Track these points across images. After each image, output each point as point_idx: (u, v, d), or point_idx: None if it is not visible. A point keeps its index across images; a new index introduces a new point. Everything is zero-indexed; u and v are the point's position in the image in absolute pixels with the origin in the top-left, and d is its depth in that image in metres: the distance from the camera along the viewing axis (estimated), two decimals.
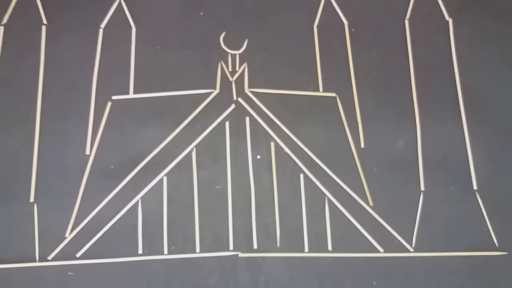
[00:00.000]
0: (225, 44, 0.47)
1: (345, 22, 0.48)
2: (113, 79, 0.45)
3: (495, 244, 0.41)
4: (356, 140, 0.44)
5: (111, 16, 0.47)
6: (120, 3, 0.48)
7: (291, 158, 0.43)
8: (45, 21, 0.47)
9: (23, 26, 0.47)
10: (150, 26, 0.47)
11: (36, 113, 0.44)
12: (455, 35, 0.47)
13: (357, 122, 0.45)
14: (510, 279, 0.40)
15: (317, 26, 0.48)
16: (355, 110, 0.45)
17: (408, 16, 0.48)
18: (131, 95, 0.45)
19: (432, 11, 0.48)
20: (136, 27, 0.47)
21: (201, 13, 0.48)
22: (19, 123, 0.44)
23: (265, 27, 0.47)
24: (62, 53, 0.46)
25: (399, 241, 0.41)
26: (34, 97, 0.45)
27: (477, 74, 0.46)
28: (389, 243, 0.41)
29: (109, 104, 0.44)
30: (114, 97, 0.45)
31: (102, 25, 0.47)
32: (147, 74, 0.46)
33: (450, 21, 0.48)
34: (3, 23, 0.46)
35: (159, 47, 0.47)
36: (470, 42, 0.47)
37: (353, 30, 0.48)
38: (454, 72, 0.46)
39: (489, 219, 0.42)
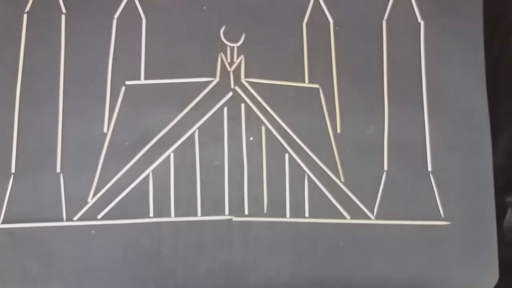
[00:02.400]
0: (225, 37, 0.53)
1: (331, 20, 0.54)
2: (126, 65, 0.51)
3: (441, 215, 0.50)
4: (333, 126, 0.52)
5: (123, 8, 0.53)
6: None
7: (279, 140, 0.51)
8: (64, 10, 0.52)
9: (44, 15, 0.52)
10: (159, 18, 0.52)
11: (59, 95, 0.50)
12: (425, 36, 0.53)
13: (336, 111, 0.52)
14: (450, 244, 0.50)
15: (306, 24, 0.54)
16: (334, 99, 0.53)
17: (385, 17, 0.54)
18: (142, 81, 0.52)
19: (407, 13, 0.54)
20: (146, 18, 0.53)
21: (204, 8, 0.53)
22: (44, 103, 0.50)
23: (260, 23, 0.53)
24: (80, 41, 0.51)
25: (363, 210, 0.50)
26: (57, 81, 0.51)
27: (441, 71, 0.53)
28: (355, 212, 0.50)
29: (123, 88, 0.51)
30: (127, 82, 0.51)
31: (116, 16, 0.53)
32: (156, 62, 0.52)
33: (422, 23, 0.54)
34: (26, 11, 0.52)
35: (166, 38, 0.53)
36: (438, 43, 0.53)
37: (337, 28, 0.54)
38: (421, 69, 0.53)
39: (438, 195, 0.50)
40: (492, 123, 0.52)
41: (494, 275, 0.50)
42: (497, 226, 0.51)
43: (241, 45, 0.53)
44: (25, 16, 0.52)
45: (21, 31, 0.51)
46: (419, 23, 0.54)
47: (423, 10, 0.54)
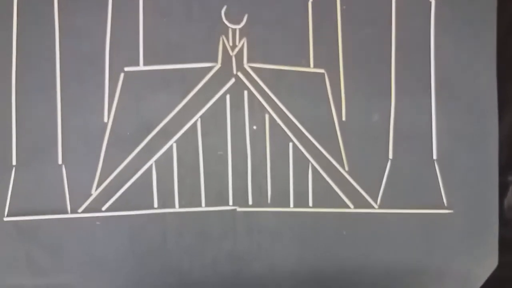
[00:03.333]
0: (226, 19, 0.50)
1: None
2: (124, 50, 0.49)
3: (444, 204, 0.51)
4: (339, 113, 0.51)
5: None
6: None
7: (282, 129, 0.50)
8: None
9: None
10: None
11: (56, 81, 0.49)
12: (436, 17, 0.51)
13: (341, 97, 0.51)
14: (452, 232, 0.50)
15: (312, 2, 0.51)
16: (340, 85, 0.51)
17: None
18: (142, 67, 0.50)
19: None
20: None
21: None
22: (41, 91, 0.48)
23: (263, 2, 0.50)
24: (75, 23, 0.49)
25: (366, 199, 0.51)
26: (53, 66, 0.49)
27: (450, 55, 0.51)
28: (359, 201, 0.50)
29: (122, 75, 0.49)
30: (126, 69, 0.49)
31: None
32: (155, 47, 0.50)
33: (433, 2, 0.51)
34: None
35: (165, 19, 0.50)
36: (448, 24, 0.51)
37: (344, 7, 0.51)
38: (430, 53, 0.51)
39: (442, 183, 0.50)
40: (498, 98, 0.51)
41: (493, 262, 0.51)
42: (498, 204, 0.51)
43: (243, 26, 0.50)
44: None
45: (12, 13, 0.49)
46: (430, 2, 0.51)
47: None
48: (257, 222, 0.49)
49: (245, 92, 0.50)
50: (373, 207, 0.50)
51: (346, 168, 0.50)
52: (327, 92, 0.51)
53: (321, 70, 0.51)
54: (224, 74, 0.50)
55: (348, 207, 0.50)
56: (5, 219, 0.48)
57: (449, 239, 0.50)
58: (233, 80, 0.50)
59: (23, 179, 0.48)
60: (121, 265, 0.49)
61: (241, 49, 0.50)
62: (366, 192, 0.50)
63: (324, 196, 0.50)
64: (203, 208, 0.49)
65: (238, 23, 0.50)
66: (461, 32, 0.51)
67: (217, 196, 0.49)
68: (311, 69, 0.51)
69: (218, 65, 0.50)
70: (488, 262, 0.50)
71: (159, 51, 0.49)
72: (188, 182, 0.49)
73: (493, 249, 0.50)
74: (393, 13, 0.51)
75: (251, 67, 0.50)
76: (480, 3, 0.51)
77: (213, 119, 0.50)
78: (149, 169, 0.49)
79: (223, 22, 0.50)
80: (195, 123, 0.50)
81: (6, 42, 0.49)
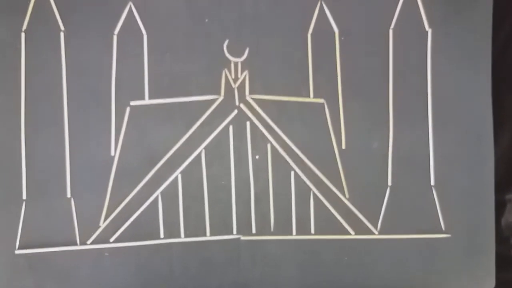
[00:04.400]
0: (228, 52, 0.52)
1: (336, 30, 0.53)
2: (130, 85, 0.51)
3: (442, 228, 0.52)
4: (338, 142, 0.52)
5: (123, 23, 0.51)
6: (130, 10, 0.51)
7: (284, 158, 0.52)
8: (62, 27, 0.51)
9: (42, 32, 0.50)
10: (160, 33, 0.51)
11: (64, 117, 0.50)
12: (432, 45, 0.52)
13: (341, 126, 0.52)
14: (450, 256, 0.52)
15: (311, 34, 0.52)
16: (339, 115, 0.52)
17: (392, 25, 0.53)
18: (147, 101, 0.51)
19: (414, 21, 0.52)
20: (147, 33, 0.51)
21: (206, 20, 0.51)
22: (49, 127, 0.50)
23: (264, 35, 0.52)
24: (81, 59, 0.50)
25: (367, 225, 0.52)
26: (60, 102, 0.50)
27: (447, 83, 0.52)
28: (359, 228, 0.52)
29: (128, 109, 0.51)
30: (132, 103, 0.51)
31: (116, 32, 0.51)
32: (159, 81, 0.51)
33: (430, 31, 0.53)
34: (23, 29, 0.50)
35: (168, 54, 0.51)
36: (445, 53, 0.52)
37: (343, 38, 0.52)
38: (427, 81, 0.52)
39: (440, 208, 0.52)
40: (494, 117, 0.53)
41: (491, 282, 0.52)
42: (495, 222, 0.53)
43: (245, 59, 0.52)
44: (23, 34, 0.50)
45: (20, 50, 0.50)
46: (427, 31, 0.53)
47: (431, 18, 0.53)
48: (260, 250, 0.51)
49: (248, 123, 0.51)
50: (373, 233, 0.52)
51: (347, 195, 0.52)
52: (327, 122, 0.52)
53: (321, 100, 0.52)
54: (227, 106, 0.51)
55: (349, 233, 0.52)
56: (17, 252, 0.49)
57: (447, 262, 0.52)
58: (235, 111, 0.51)
59: (33, 212, 0.50)
60: None
61: (243, 81, 0.52)
62: (366, 219, 0.52)
63: (326, 223, 0.51)
64: (208, 238, 0.51)
65: (239, 56, 0.52)
66: (457, 61, 0.52)
67: (222, 225, 0.51)
68: (311, 100, 0.52)
69: (221, 97, 0.51)
70: (486, 283, 0.52)
71: (164, 85, 0.51)
72: (193, 212, 0.51)
73: (490, 270, 0.52)
74: (390, 43, 0.53)
75: (253, 99, 0.52)
76: (475, 32, 0.52)
77: (217, 150, 0.51)
78: (155, 200, 0.51)
79: (225, 56, 0.52)
80: (199, 154, 0.51)
81: (15, 80, 0.50)
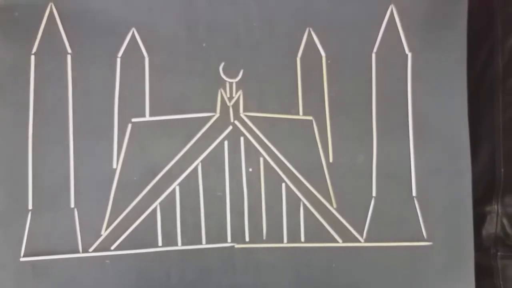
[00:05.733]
0: (224, 73, 0.56)
1: (323, 54, 0.57)
2: (132, 103, 0.54)
3: (424, 237, 0.55)
4: (326, 155, 0.56)
5: (126, 46, 0.55)
6: (133, 34, 0.55)
7: (276, 170, 0.55)
8: (69, 50, 0.55)
9: (50, 55, 0.54)
10: (160, 56, 0.55)
11: (69, 132, 0.54)
12: (412, 68, 0.56)
13: (328, 141, 0.56)
14: (432, 262, 0.55)
15: (300, 58, 0.57)
16: (327, 131, 0.56)
17: (375, 49, 0.57)
18: (148, 118, 0.55)
19: (395, 45, 0.57)
20: (148, 56, 0.56)
21: (204, 45, 0.56)
22: (55, 141, 0.53)
23: (257, 59, 0.56)
24: (86, 80, 0.54)
25: (353, 234, 0.55)
26: (66, 118, 0.54)
27: (426, 102, 0.56)
28: (346, 236, 0.55)
29: (130, 125, 0.55)
30: (133, 120, 0.55)
31: (119, 54, 0.55)
32: (159, 99, 0.55)
33: (410, 55, 0.57)
34: (33, 52, 0.54)
35: (168, 75, 0.55)
36: (423, 74, 0.56)
37: (329, 61, 0.57)
38: (407, 100, 0.57)
39: (422, 218, 0.55)
40: (473, 134, 0.56)
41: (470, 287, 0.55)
42: (476, 233, 0.56)
43: (239, 80, 0.56)
44: (33, 57, 0.54)
45: (29, 72, 0.54)
46: (407, 55, 0.57)
47: (411, 43, 0.57)
48: (253, 257, 0.54)
49: (242, 138, 0.55)
50: (359, 241, 0.55)
51: (334, 206, 0.55)
52: (315, 137, 0.56)
53: (310, 117, 0.56)
54: (222, 122, 0.55)
55: (337, 241, 0.55)
56: (22, 259, 0.52)
57: (429, 268, 0.55)
58: (230, 127, 0.55)
59: (39, 222, 0.53)
60: None
61: (238, 100, 0.56)
62: (353, 227, 0.55)
63: (315, 231, 0.55)
64: (204, 246, 0.54)
65: (234, 77, 0.56)
66: (435, 82, 0.57)
67: (217, 234, 0.54)
68: (301, 117, 0.56)
69: (217, 115, 0.55)
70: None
71: (164, 103, 0.55)
72: (190, 222, 0.54)
73: (470, 277, 0.55)
74: (373, 65, 0.57)
75: (247, 116, 0.55)
76: (451, 56, 0.57)
77: (213, 163, 0.55)
78: (154, 211, 0.54)
79: (221, 77, 0.56)
80: (196, 167, 0.55)
81: (24, 98, 0.54)
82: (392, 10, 0.57)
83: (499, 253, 0.58)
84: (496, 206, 0.59)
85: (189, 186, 0.54)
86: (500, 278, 0.58)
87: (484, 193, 0.59)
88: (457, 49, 0.57)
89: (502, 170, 0.58)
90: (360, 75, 0.57)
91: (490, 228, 0.60)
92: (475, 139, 0.57)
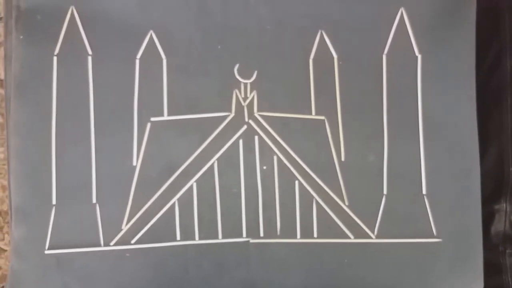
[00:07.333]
0: (238, 74, 0.58)
1: (335, 55, 0.58)
2: (150, 103, 0.56)
3: (434, 233, 0.57)
4: (338, 154, 0.57)
5: (145, 48, 0.57)
6: (151, 37, 0.57)
7: (289, 168, 0.57)
8: (90, 52, 0.57)
9: (72, 56, 0.56)
10: (178, 58, 0.57)
11: (91, 131, 0.56)
12: (422, 69, 0.58)
13: (340, 140, 0.58)
14: (441, 259, 0.56)
15: (312, 59, 0.58)
16: (339, 130, 0.58)
17: (385, 51, 0.58)
18: (166, 117, 0.57)
19: (405, 47, 0.58)
20: (166, 58, 0.58)
21: (219, 47, 0.57)
22: (78, 139, 0.55)
23: (271, 60, 0.57)
24: (107, 81, 0.56)
25: (365, 230, 0.57)
26: (88, 118, 0.56)
27: (435, 102, 0.57)
28: (358, 232, 0.56)
29: (149, 124, 0.57)
30: (152, 119, 0.57)
31: (138, 56, 0.57)
32: (177, 99, 0.57)
33: (419, 57, 0.58)
34: (55, 53, 0.56)
35: (185, 76, 0.57)
36: (433, 76, 0.57)
37: (341, 63, 0.58)
38: (417, 100, 0.58)
39: (431, 215, 0.56)
40: (482, 134, 0.57)
41: (479, 285, 0.56)
42: (485, 231, 0.57)
43: (253, 81, 0.58)
44: (55, 58, 0.56)
45: (52, 72, 0.56)
46: (417, 57, 0.58)
47: (421, 45, 0.58)
48: (268, 252, 0.56)
49: (256, 137, 0.57)
50: (370, 237, 0.56)
51: (346, 203, 0.57)
52: (327, 136, 0.57)
53: (322, 117, 0.57)
54: (237, 122, 0.57)
55: (349, 237, 0.56)
56: (46, 252, 0.54)
57: (438, 264, 0.56)
58: (245, 127, 0.57)
59: (62, 216, 0.55)
60: None
61: (252, 100, 0.57)
62: (364, 224, 0.56)
63: (327, 228, 0.56)
64: (220, 240, 0.56)
65: (249, 78, 0.58)
66: (444, 82, 0.58)
67: (232, 229, 0.56)
68: (313, 117, 0.57)
69: (232, 114, 0.57)
70: (474, 285, 0.56)
71: (181, 103, 0.57)
72: (207, 217, 0.56)
73: (478, 273, 0.56)
74: (384, 67, 0.58)
75: (261, 115, 0.57)
76: (460, 57, 0.58)
77: (228, 161, 0.56)
78: (173, 206, 0.56)
79: (236, 78, 0.57)
80: (212, 165, 0.56)
81: (47, 98, 0.56)
82: (402, 13, 0.58)
83: (507, 251, 0.60)
84: (504, 205, 0.61)
85: (205, 183, 0.56)
86: (509, 275, 0.59)
87: (492, 192, 0.60)
88: (466, 51, 0.58)
89: (511, 169, 0.60)
90: (371, 76, 0.58)
91: (499, 226, 0.61)
92: (483, 139, 0.58)
